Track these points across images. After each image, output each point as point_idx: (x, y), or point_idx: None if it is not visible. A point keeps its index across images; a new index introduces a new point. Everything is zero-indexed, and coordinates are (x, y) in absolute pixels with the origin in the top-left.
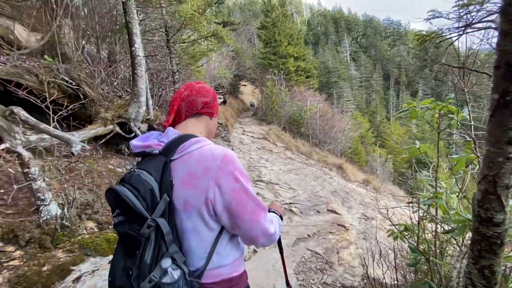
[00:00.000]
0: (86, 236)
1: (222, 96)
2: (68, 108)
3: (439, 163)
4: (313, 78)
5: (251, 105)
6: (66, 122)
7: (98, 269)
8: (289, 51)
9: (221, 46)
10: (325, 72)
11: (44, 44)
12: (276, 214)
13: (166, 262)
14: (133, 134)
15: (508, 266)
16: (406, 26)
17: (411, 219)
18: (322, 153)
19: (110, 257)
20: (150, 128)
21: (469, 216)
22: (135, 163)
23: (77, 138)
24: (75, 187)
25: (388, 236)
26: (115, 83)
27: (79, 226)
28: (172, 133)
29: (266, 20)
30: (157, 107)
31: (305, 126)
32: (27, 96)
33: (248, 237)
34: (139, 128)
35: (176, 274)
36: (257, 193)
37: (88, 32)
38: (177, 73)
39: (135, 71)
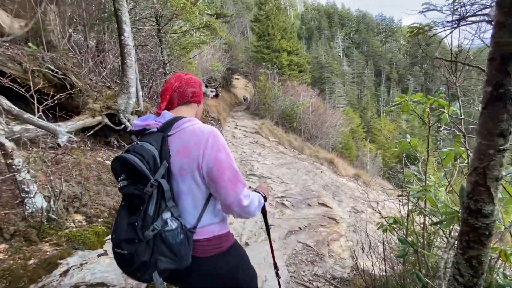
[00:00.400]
0: (74, 229)
1: (214, 90)
2: (54, 98)
3: (428, 157)
4: (306, 73)
5: (244, 99)
6: (52, 112)
7: (86, 263)
8: (282, 45)
9: (214, 39)
10: (318, 67)
11: (28, 31)
12: (260, 194)
13: (166, 215)
14: (122, 126)
15: (493, 257)
16: (399, 23)
17: (400, 212)
18: (314, 148)
19: (99, 250)
20: None
21: (457, 208)
22: (136, 139)
23: (64, 129)
24: (62, 180)
25: (378, 228)
26: (104, 73)
27: (66, 219)
28: (168, 115)
29: (259, 13)
30: (147, 99)
31: (297, 121)
32: (10, 85)
33: (224, 204)
34: (128, 120)
35: (174, 224)
36: (249, 187)
37: (75, 20)
38: (168, 64)
39: (125, 61)
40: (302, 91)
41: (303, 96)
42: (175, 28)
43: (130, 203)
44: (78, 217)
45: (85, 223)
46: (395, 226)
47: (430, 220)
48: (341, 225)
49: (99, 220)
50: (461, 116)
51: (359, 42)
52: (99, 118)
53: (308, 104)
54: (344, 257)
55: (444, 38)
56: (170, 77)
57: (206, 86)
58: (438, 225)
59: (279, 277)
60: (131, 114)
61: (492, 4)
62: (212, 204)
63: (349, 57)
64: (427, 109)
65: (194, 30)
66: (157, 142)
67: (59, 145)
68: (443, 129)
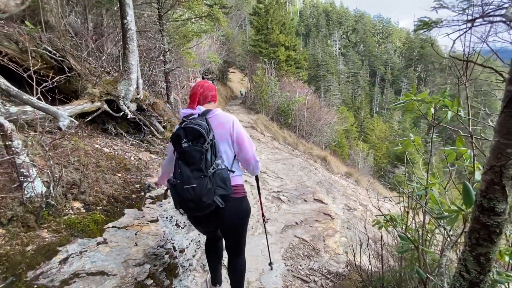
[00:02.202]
0: (73, 216)
1: (211, 82)
2: (53, 80)
3: (431, 156)
4: (302, 69)
5: (241, 93)
6: (51, 95)
7: (86, 251)
8: (280, 39)
9: (215, 29)
10: (314, 64)
11: (25, 10)
12: None
13: (218, 160)
14: (121, 114)
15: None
16: (396, 24)
17: (400, 210)
18: (308, 144)
19: (99, 238)
20: (139, 108)
21: (462, 206)
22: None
23: (65, 112)
24: (61, 165)
25: (373, 225)
26: (103, 58)
27: (65, 206)
28: (202, 108)
29: (258, 6)
30: (146, 87)
31: (292, 117)
32: (7, 64)
33: (245, 158)
34: (128, 107)
35: (223, 165)
36: (245, 181)
37: (72, 1)
38: (168, 53)
39: (126, 46)
40: (299, 87)
41: (300, 93)
42: (175, 16)
43: (189, 157)
44: (77, 204)
45: (84, 211)
46: (391, 223)
47: (429, 219)
48: (336, 221)
49: (98, 208)
50: (469, 116)
51: (356, 42)
52: (98, 103)
53: (304, 101)
54: (339, 253)
55: (458, 38)
56: (195, 84)
57: (203, 78)
58: (441, 221)
59: (266, 222)
60: (131, 102)
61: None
62: (236, 161)
63: (345, 56)
64: (432, 109)
65: (196, 19)
66: (203, 121)
67: (59, 128)
68: (450, 128)
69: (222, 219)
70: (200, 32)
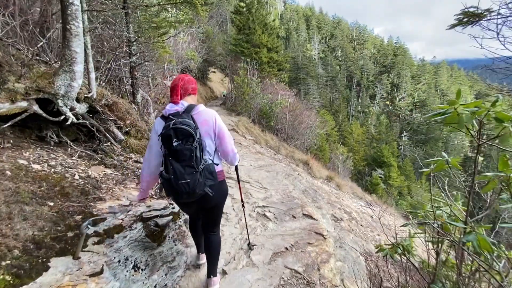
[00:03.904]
0: None
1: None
2: None
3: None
4: (284, 71)
5: (223, 95)
6: None
7: None
8: (262, 40)
9: (194, 21)
10: (294, 67)
11: None
12: None
13: (205, 156)
14: (62, 118)
15: None
16: (371, 31)
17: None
18: (290, 148)
19: None
20: (92, 110)
21: None
22: (164, 120)
23: None
24: None
25: (377, 252)
26: (42, 43)
27: None
28: (185, 103)
29: (240, 5)
30: (103, 83)
31: (274, 120)
32: None
33: (226, 151)
34: (73, 109)
35: (209, 160)
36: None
37: None
38: (135, 44)
39: (67, 27)
40: (281, 89)
41: (281, 95)
42: (146, 1)
43: (181, 154)
44: None
45: None
46: (399, 251)
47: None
48: (328, 241)
49: (3, 264)
50: None
51: (334, 47)
52: (23, 104)
53: (287, 104)
54: (336, 284)
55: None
56: (175, 78)
57: None
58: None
59: (244, 207)
60: (78, 102)
61: None
62: (217, 153)
63: (324, 60)
64: (476, 122)
65: (170, 6)
66: (189, 119)
67: None
68: (499, 147)
69: (208, 201)
70: (175, 23)
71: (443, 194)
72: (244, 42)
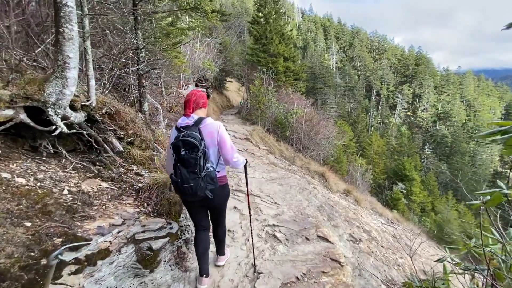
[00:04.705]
0: None
1: (205, 90)
2: None
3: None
4: (301, 81)
5: (240, 105)
6: None
7: None
8: (280, 50)
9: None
10: (311, 77)
11: None
12: (244, 158)
13: (207, 164)
14: (53, 128)
15: None
16: (391, 41)
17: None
18: (305, 159)
19: None
20: (90, 119)
21: None
22: (177, 130)
23: None
24: None
25: None
26: (40, 49)
27: None
28: (195, 117)
29: (258, 15)
30: (106, 91)
31: (290, 129)
32: None
33: (226, 158)
34: (65, 118)
35: (211, 168)
36: (235, 207)
37: None
38: (143, 51)
39: (60, 30)
40: (297, 99)
41: (297, 105)
42: (152, 7)
43: (187, 162)
44: None
45: None
46: None
47: None
48: (346, 269)
49: None
50: None
51: (352, 57)
52: (8, 112)
53: (303, 113)
54: None
55: None
56: (189, 93)
57: (197, 86)
58: None
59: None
60: (74, 110)
61: None
62: (221, 160)
63: (342, 70)
64: None
65: (181, 13)
66: (196, 132)
67: None
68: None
69: (210, 201)
70: (187, 30)
71: (492, 229)
72: (261, 52)
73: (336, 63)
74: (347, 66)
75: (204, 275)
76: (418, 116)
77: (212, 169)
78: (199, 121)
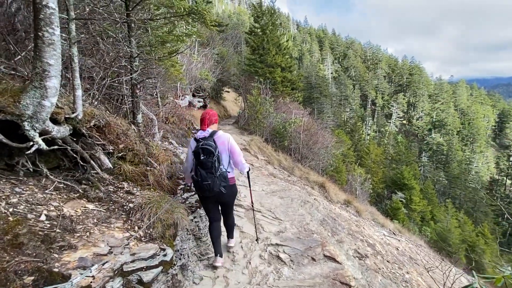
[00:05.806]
0: None
1: (202, 100)
2: None
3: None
4: (298, 90)
5: (238, 114)
6: None
7: None
8: (277, 60)
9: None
10: (308, 87)
11: None
12: (248, 165)
13: (221, 166)
14: (30, 144)
15: None
16: (385, 51)
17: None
18: (304, 169)
19: None
20: (77, 133)
21: None
22: (196, 141)
23: None
24: None
25: None
26: (19, 57)
27: None
28: (210, 130)
29: (255, 26)
30: (96, 102)
31: (288, 139)
32: None
33: (236, 162)
34: (45, 133)
35: (223, 169)
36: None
37: None
38: (137, 59)
39: (39, 34)
40: (294, 108)
41: (295, 114)
42: (146, 14)
43: (205, 165)
44: None
45: None
46: None
47: None
48: None
49: None
50: None
51: (347, 67)
52: None
53: (301, 123)
54: None
55: None
56: (204, 112)
57: (194, 96)
58: None
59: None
60: (57, 123)
61: None
62: (231, 164)
63: (337, 80)
64: None
65: (175, 18)
66: (212, 141)
67: None
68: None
69: (222, 197)
70: (183, 36)
71: None
72: (258, 62)
73: (332, 73)
74: (342, 76)
75: (219, 255)
76: (413, 125)
77: (224, 169)
78: (213, 133)
